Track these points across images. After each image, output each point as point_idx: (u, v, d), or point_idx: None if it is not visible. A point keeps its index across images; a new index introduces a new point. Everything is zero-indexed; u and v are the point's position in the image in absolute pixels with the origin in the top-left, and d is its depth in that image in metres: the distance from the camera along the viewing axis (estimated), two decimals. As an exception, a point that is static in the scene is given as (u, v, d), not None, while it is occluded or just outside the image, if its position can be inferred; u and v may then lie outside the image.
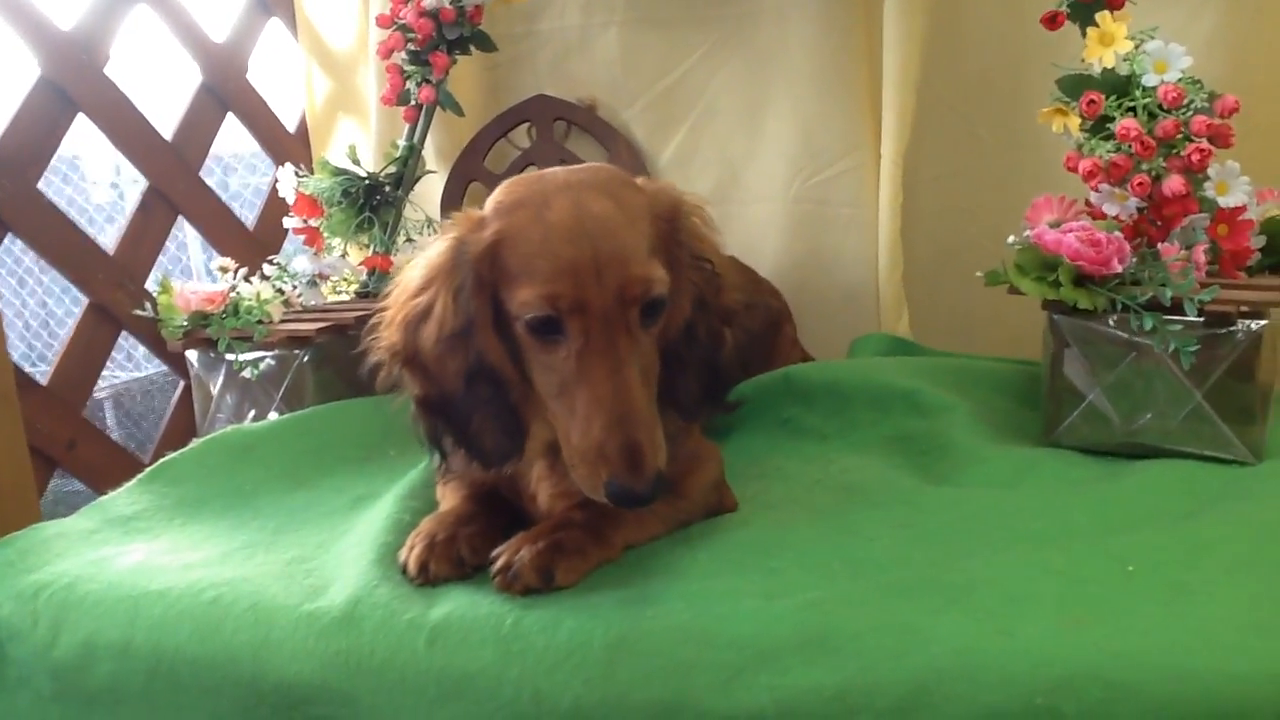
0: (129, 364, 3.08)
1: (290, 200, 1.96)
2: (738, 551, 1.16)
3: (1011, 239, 1.49)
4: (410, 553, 1.15)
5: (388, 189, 2.02)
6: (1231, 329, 1.30)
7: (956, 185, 2.04)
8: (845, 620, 0.97)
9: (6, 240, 1.77)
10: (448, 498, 1.29)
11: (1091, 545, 1.08)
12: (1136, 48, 1.46)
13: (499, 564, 1.10)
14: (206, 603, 1.15)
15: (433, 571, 1.12)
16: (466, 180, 2.08)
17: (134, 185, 2.94)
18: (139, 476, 1.50)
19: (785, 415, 1.59)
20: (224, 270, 1.88)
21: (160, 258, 2.01)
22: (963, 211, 2.06)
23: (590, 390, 1.06)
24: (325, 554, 1.26)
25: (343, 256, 2.00)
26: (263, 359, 1.77)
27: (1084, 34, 1.55)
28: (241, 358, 1.75)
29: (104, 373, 1.88)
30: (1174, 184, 1.41)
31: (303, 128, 2.37)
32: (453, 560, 1.14)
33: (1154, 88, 1.43)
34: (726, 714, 0.94)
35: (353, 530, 1.31)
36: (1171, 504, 1.20)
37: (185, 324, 1.79)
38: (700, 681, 0.95)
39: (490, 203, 1.17)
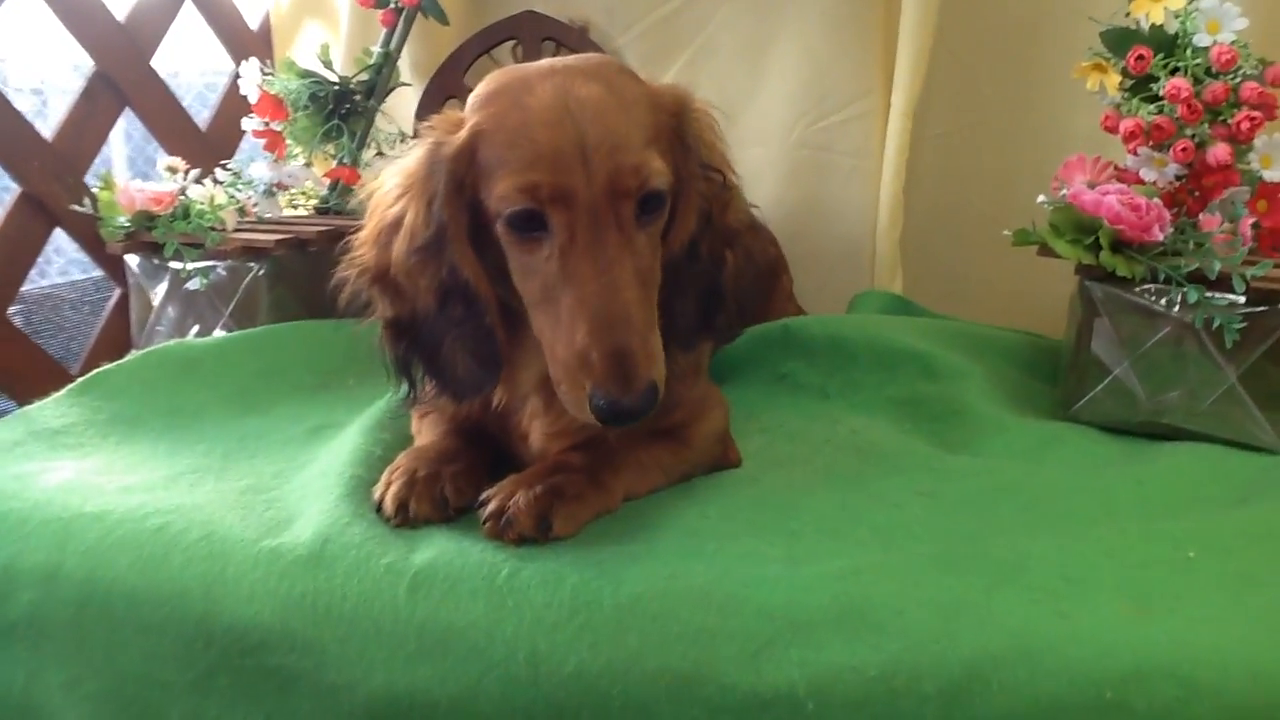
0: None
1: (252, 99, 1.79)
2: (751, 510, 1.06)
3: (1042, 198, 1.40)
4: (387, 490, 1.03)
5: (358, 97, 1.87)
6: (1276, 309, 1.22)
7: (958, 144, 1.95)
8: (887, 593, 0.87)
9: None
10: (425, 431, 1.17)
11: (1144, 527, 0.99)
12: (1189, 4, 1.37)
13: (491, 508, 0.98)
14: (151, 530, 1.02)
15: (413, 511, 1.01)
16: (444, 96, 1.93)
17: (61, 94, 2.73)
18: (69, 388, 1.35)
19: (784, 370, 1.49)
20: (173, 170, 1.72)
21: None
22: (963, 171, 1.96)
23: (575, 291, 0.93)
24: (285, 485, 1.13)
25: (306, 165, 1.84)
26: (213, 269, 1.61)
27: (1129, -13, 1.46)
28: (189, 266, 1.59)
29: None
30: (1219, 152, 1.32)
31: (265, 26, 2.18)
32: (435, 500, 1.02)
33: (1206, 49, 1.34)
34: (752, 690, 0.83)
35: (314, 461, 1.19)
36: (1211, 490, 1.13)
37: (128, 224, 1.63)
38: (724, 652, 0.84)
39: (470, 99, 1.04)
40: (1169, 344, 1.28)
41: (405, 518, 1.00)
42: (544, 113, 0.95)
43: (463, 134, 0.99)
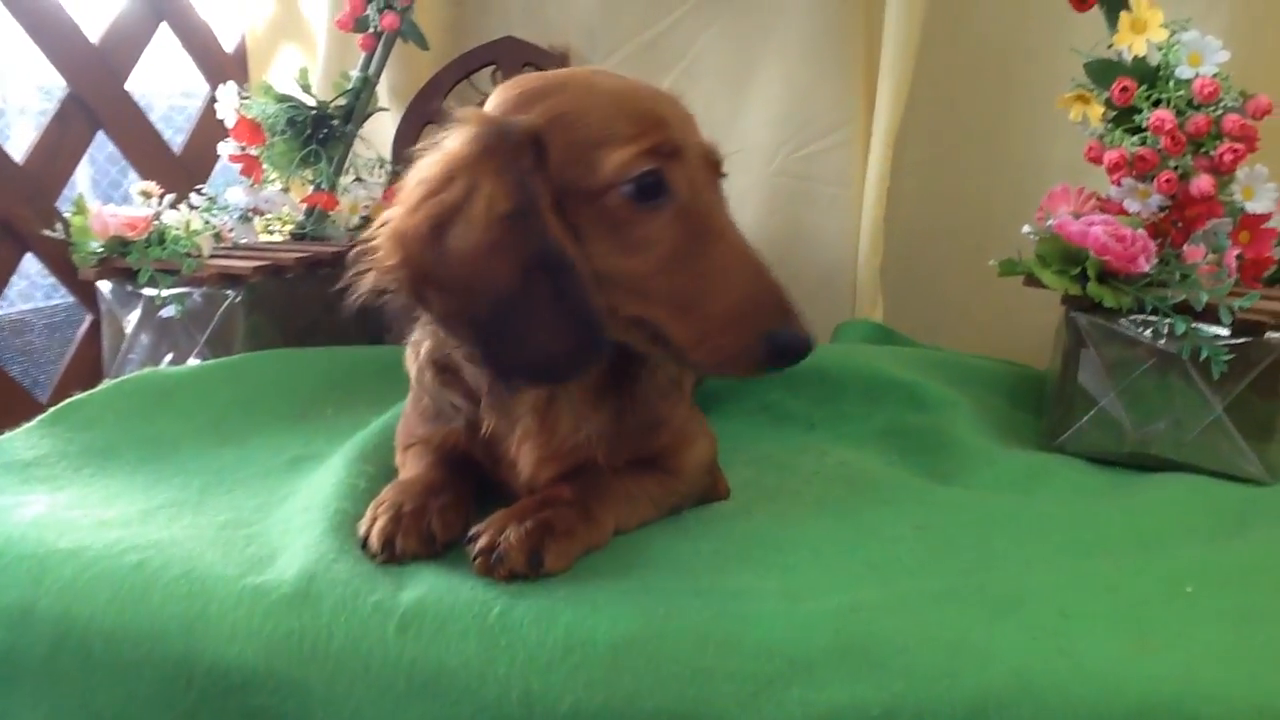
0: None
1: (230, 123, 1.76)
2: (744, 544, 1.04)
3: (1027, 228, 1.40)
4: (373, 525, 1.00)
5: (335, 122, 1.85)
6: (1262, 340, 1.23)
7: (939, 172, 1.95)
8: (888, 630, 0.85)
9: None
10: (409, 464, 1.14)
11: (1139, 561, 0.99)
12: (1171, 37, 1.38)
13: (481, 544, 0.96)
14: (129, 567, 0.98)
15: (400, 547, 0.98)
16: (423, 121, 1.91)
17: (20, 115, 2.69)
18: (40, 418, 1.32)
19: (768, 400, 1.48)
20: (147, 195, 1.69)
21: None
22: (942, 199, 1.97)
23: (717, 244, 0.94)
24: (266, 519, 1.10)
25: (283, 191, 1.81)
26: (188, 296, 1.58)
27: (1110, 20, 1.47)
28: (164, 293, 1.56)
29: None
30: (1203, 184, 1.33)
31: (241, 48, 2.16)
32: (423, 536, 0.99)
33: (1188, 81, 1.35)
34: (752, 731, 0.81)
35: (296, 494, 1.16)
36: (1202, 521, 1.12)
37: (101, 250, 1.59)
38: (723, 692, 0.83)
39: (497, 104, 1.01)
40: (1155, 375, 1.28)
41: (392, 554, 0.97)
42: (629, 92, 0.98)
43: (531, 117, 0.95)
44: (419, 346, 1.13)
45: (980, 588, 0.92)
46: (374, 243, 0.97)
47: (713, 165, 0.99)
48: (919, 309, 1.97)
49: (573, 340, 0.94)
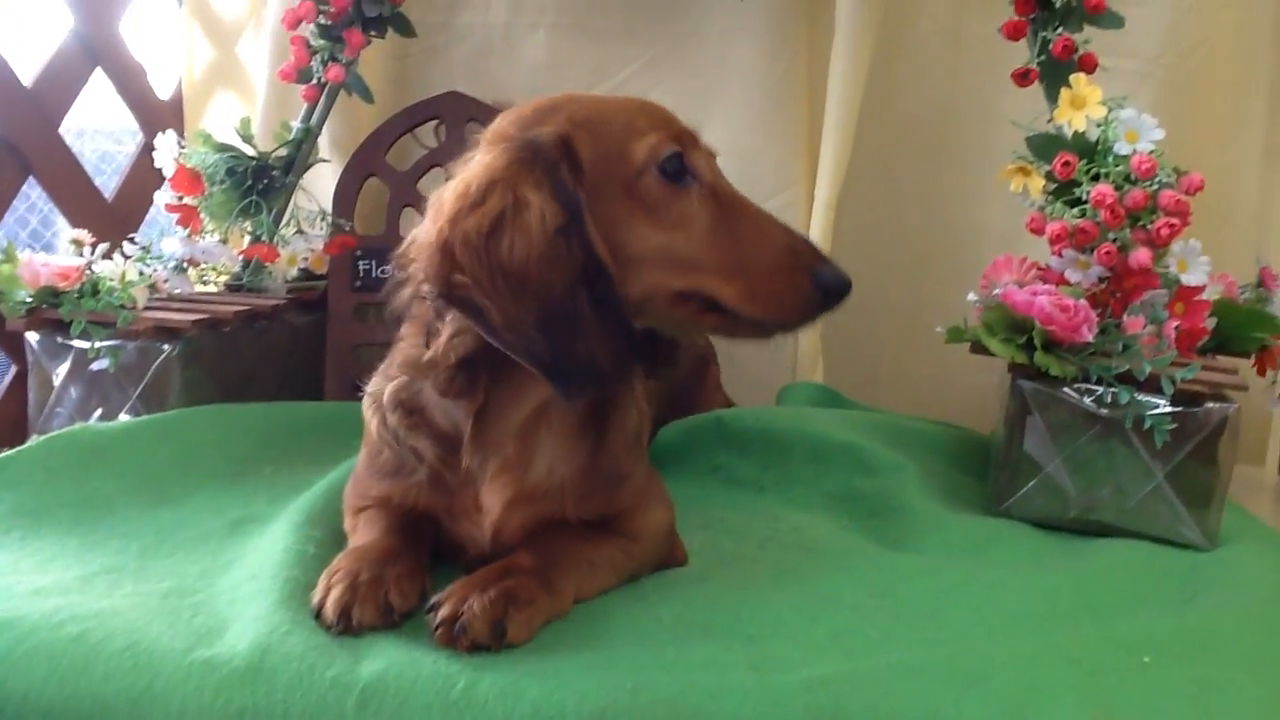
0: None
1: (168, 172, 1.72)
2: (706, 613, 1.03)
3: (973, 296, 1.43)
4: (327, 595, 0.97)
5: (276, 173, 1.82)
6: (1201, 409, 1.26)
7: (877, 235, 2.00)
8: (859, 705, 0.85)
9: None
10: (362, 529, 1.12)
11: (1098, 631, 1.00)
12: (1109, 114, 1.43)
13: (443, 614, 0.93)
14: (69, 639, 0.93)
15: (357, 619, 0.95)
16: (365, 174, 1.89)
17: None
18: (-37, 477, 1.26)
19: (717, 462, 1.49)
20: (79, 244, 1.64)
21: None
22: (880, 263, 2.02)
23: (745, 210, 1.03)
24: (211, 587, 1.07)
25: (223, 242, 1.77)
26: (122, 349, 1.53)
27: (1050, 96, 1.52)
28: (97, 345, 1.51)
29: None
30: (1141, 256, 1.37)
31: (177, 95, 2.12)
32: (380, 606, 0.97)
33: (1126, 157, 1.40)
34: (725, 810, 0.80)
35: (240, 560, 1.13)
36: (1151, 589, 1.15)
37: (30, 300, 1.54)
38: (695, 770, 0.82)
39: (512, 124, 1.02)
40: (1098, 442, 1.30)
41: (348, 625, 0.94)
42: (624, 99, 1.07)
43: (555, 127, 0.99)
44: (379, 396, 1.12)
45: (946, 660, 0.92)
46: (410, 255, 0.99)
47: (709, 150, 1.06)
48: (857, 370, 2.00)
49: (616, 345, 0.97)
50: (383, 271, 1.86)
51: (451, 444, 1.07)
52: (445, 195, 0.98)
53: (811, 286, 1.00)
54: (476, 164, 0.99)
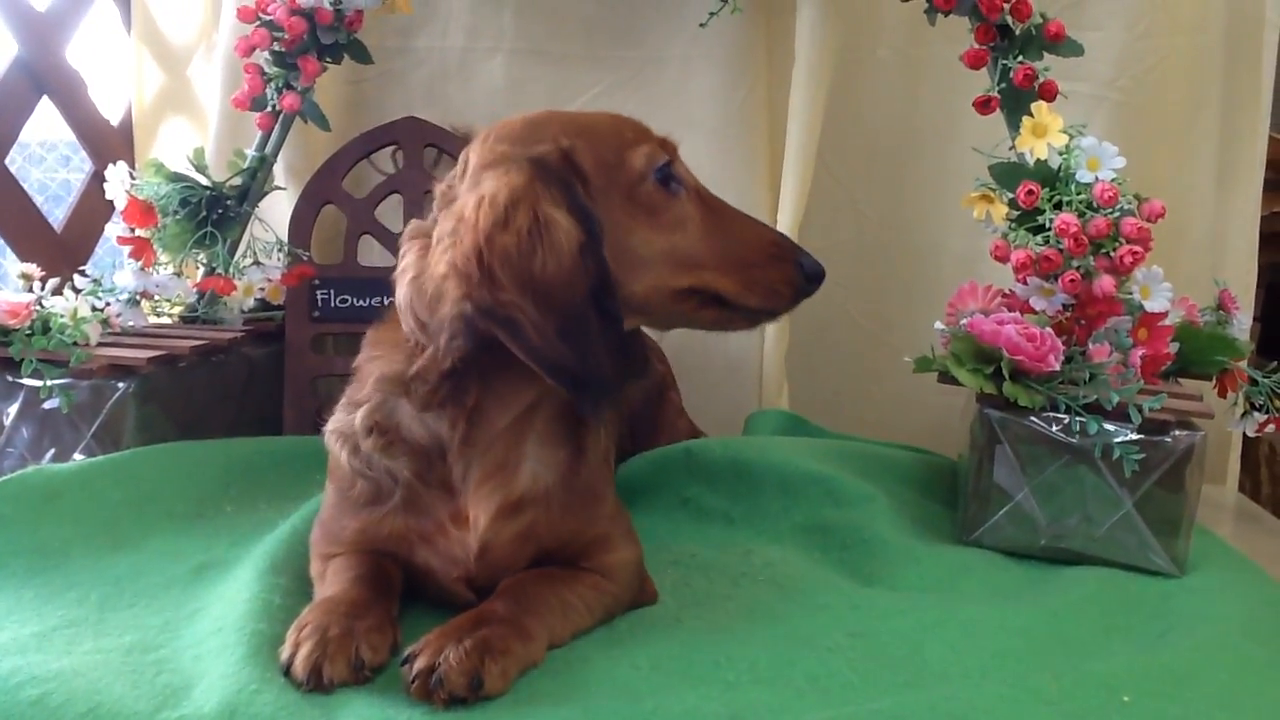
0: None
1: (119, 204, 1.68)
2: (681, 659, 1.02)
3: (939, 325, 1.43)
4: (296, 651, 0.95)
5: (230, 202, 1.78)
6: (1169, 438, 1.27)
7: (840, 257, 1.99)
8: (844, 756, 0.84)
9: None
10: (330, 580, 1.09)
11: (1075, 669, 0.99)
12: (1070, 141, 1.44)
13: (419, 666, 0.92)
14: (27, 702, 0.90)
15: (328, 675, 0.93)
16: (321, 201, 1.85)
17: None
18: (-90, 524, 1.22)
19: (687, 494, 1.47)
20: (28, 279, 1.59)
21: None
22: (842, 287, 2.02)
23: (729, 211, 1.13)
24: (175, 641, 1.03)
25: (177, 275, 1.73)
26: (75, 388, 1.49)
27: (1011, 124, 1.53)
28: (49, 384, 1.47)
29: None
30: (1105, 284, 1.37)
31: (127, 121, 2.07)
32: (351, 662, 0.95)
33: (1088, 185, 1.41)
34: None
35: (204, 611, 1.10)
36: (1123, 620, 1.15)
37: (-23, 339, 1.49)
38: (679, 829, 0.80)
39: (505, 140, 1.05)
40: (1067, 470, 1.31)
41: (319, 683, 0.92)
42: (602, 113, 1.13)
43: (553, 145, 1.03)
44: (347, 427, 1.10)
45: (928, 706, 0.91)
46: (439, 272, 0.98)
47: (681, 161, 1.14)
48: (820, 395, 2.00)
49: (620, 356, 1.00)
50: (341, 300, 1.83)
51: (428, 458, 1.07)
52: (467, 215, 0.97)
53: (798, 274, 1.10)
54: (494, 183, 0.99)
